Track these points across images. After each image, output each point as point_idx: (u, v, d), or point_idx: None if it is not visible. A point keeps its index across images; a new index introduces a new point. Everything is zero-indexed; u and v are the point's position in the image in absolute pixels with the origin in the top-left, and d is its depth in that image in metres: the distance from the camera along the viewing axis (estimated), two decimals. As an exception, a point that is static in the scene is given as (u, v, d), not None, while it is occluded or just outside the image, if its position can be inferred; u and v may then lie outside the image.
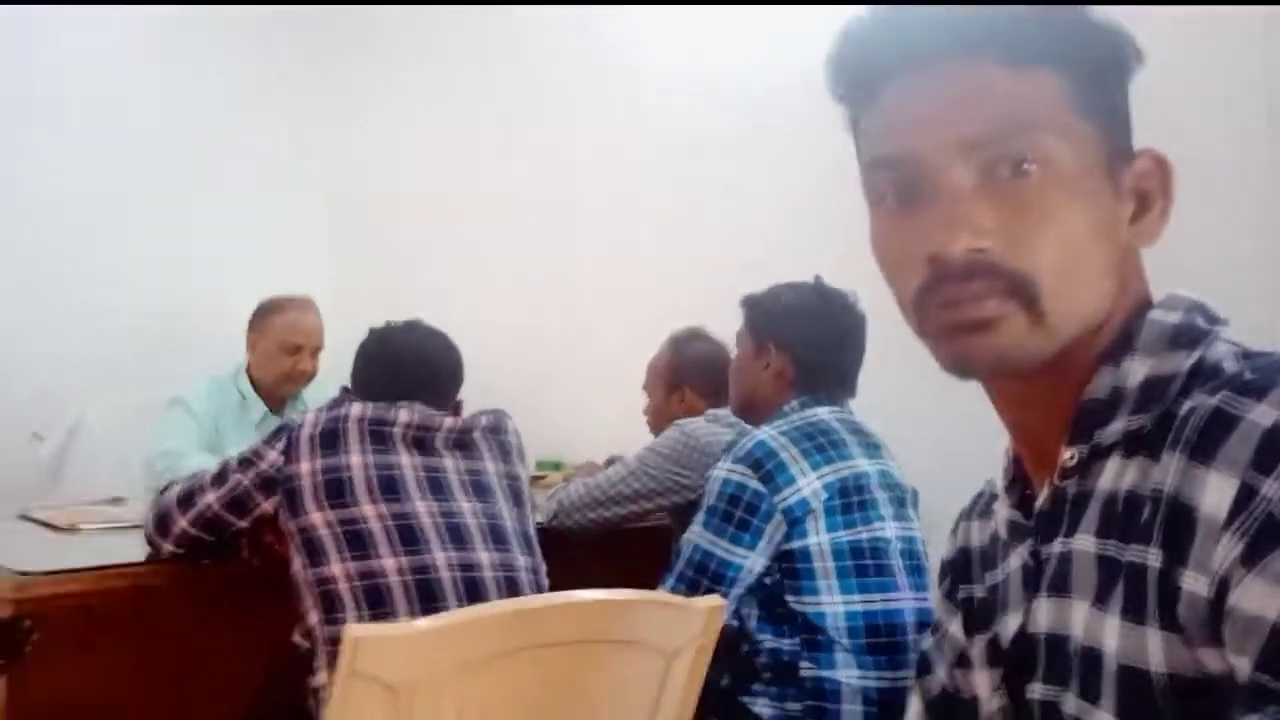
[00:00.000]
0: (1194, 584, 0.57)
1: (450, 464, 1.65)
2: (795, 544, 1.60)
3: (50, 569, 1.54)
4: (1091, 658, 0.64)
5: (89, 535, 1.88)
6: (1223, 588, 0.55)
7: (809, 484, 1.61)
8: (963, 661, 0.86)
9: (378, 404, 1.62)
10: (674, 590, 1.63)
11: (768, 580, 1.63)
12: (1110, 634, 0.62)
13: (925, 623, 1.65)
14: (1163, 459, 0.61)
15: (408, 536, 1.52)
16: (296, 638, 1.55)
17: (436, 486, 1.60)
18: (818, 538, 1.60)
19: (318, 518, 1.52)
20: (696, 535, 1.64)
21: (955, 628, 0.87)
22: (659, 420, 2.38)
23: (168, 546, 1.67)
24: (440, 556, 1.53)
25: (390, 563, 1.50)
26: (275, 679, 1.63)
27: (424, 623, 1.14)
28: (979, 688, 0.81)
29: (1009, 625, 0.75)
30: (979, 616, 0.83)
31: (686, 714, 1.38)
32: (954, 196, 0.66)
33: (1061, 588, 0.68)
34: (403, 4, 3.65)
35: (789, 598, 1.61)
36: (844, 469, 1.64)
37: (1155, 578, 0.59)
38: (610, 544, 2.20)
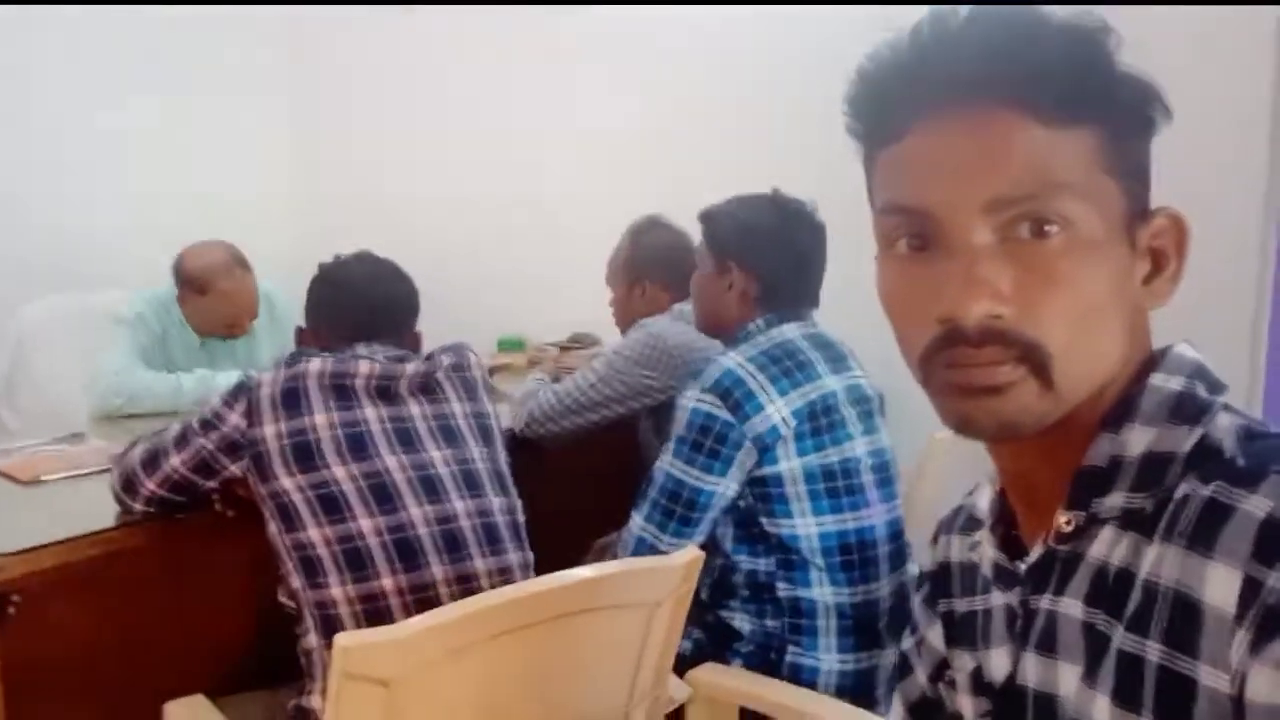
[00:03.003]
0: (1214, 680, 0.57)
1: (416, 410, 1.62)
2: (766, 470, 1.62)
3: (21, 548, 1.53)
4: None
5: (54, 489, 1.86)
6: (1241, 683, 0.56)
7: (777, 411, 1.61)
8: (942, 673, 0.89)
9: (337, 356, 1.58)
10: (648, 518, 1.66)
11: (741, 504, 1.66)
12: (1100, 713, 0.64)
13: (896, 533, 1.71)
14: (1156, 543, 0.62)
15: (381, 496, 1.52)
16: (282, 598, 1.56)
17: (404, 438, 1.58)
18: (789, 463, 1.62)
19: (288, 483, 1.50)
20: (668, 464, 1.65)
21: (934, 636, 0.90)
22: (623, 315, 2.36)
23: (138, 506, 1.65)
24: (416, 513, 1.53)
25: (367, 524, 1.50)
26: (264, 637, 1.66)
27: (413, 624, 1.14)
28: (964, 708, 0.84)
29: (993, 664, 0.78)
30: (958, 633, 0.85)
31: (669, 653, 1.44)
32: (972, 256, 0.64)
33: (1048, 647, 0.70)
34: None
35: (763, 519, 1.65)
36: (812, 391, 1.65)
37: (1154, 671, 0.60)
38: (579, 456, 2.23)
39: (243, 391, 1.56)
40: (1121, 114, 0.66)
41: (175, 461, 1.59)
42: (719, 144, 2.76)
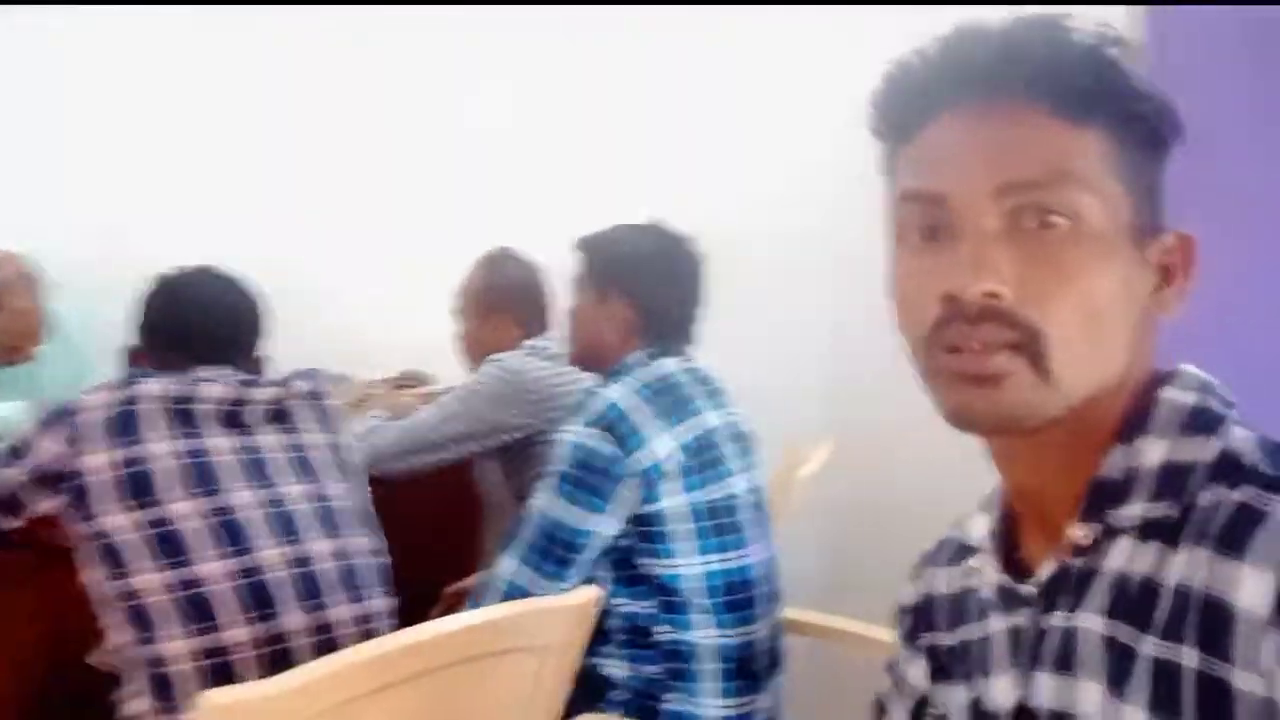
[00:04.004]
0: (1248, 684, 0.57)
1: (270, 440, 1.46)
2: (650, 507, 1.55)
3: None
4: None
5: None
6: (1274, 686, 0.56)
7: (663, 445, 1.55)
8: (922, 712, 0.85)
9: (179, 378, 1.40)
10: (524, 561, 1.55)
11: (621, 543, 1.58)
12: None
13: (771, 573, 1.68)
14: (1182, 550, 0.62)
15: (232, 534, 1.34)
16: (100, 656, 1.35)
17: (258, 470, 1.42)
18: (673, 499, 1.56)
19: (120, 520, 1.30)
20: (545, 503, 1.55)
21: (915, 673, 0.87)
22: (474, 349, 2.25)
23: (-85, 547, 1.40)
24: (272, 553, 1.36)
25: (214, 567, 1.32)
26: (63, 702, 1.43)
27: (279, 682, 1.00)
28: None
29: (997, 692, 0.75)
30: (949, 667, 0.82)
31: (558, 702, 1.34)
32: (978, 239, 0.65)
33: (1065, 666, 0.68)
34: None
35: (644, 560, 1.58)
36: (696, 426, 1.60)
37: (1193, 678, 0.59)
38: (414, 496, 2.09)
39: (63, 417, 1.35)
40: (1133, 123, 0.67)
41: None
42: (537, 178, 2.71)
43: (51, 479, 1.33)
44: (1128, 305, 0.67)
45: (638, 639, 1.60)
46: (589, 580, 1.59)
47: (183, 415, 1.37)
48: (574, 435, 1.56)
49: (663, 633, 1.58)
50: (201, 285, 1.56)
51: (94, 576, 1.32)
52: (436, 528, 2.08)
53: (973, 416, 0.66)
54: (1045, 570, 0.70)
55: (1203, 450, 0.65)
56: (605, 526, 1.55)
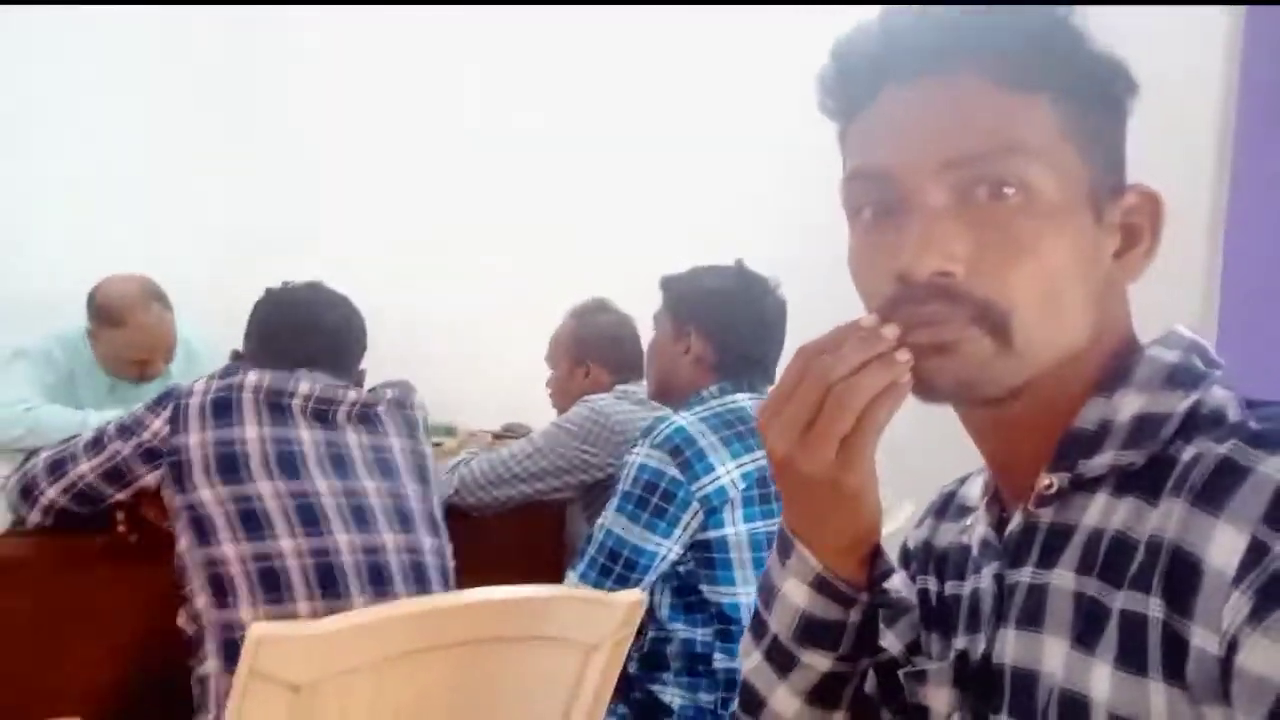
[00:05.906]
0: (1203, 641, 0.55)
1: (353, 439, 1.55)
2: (712, 533, 1.57)
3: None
4: (1075, 703, 0.62)
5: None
6: (1232, 647, 0.53)
7: (728, 473, 1.57)
8: (917, 648, 0.84)
9: (275, 373, 1.51)
10: (584, 576, 1.58)
11: (681, 569, 1.60)
12: (1099, 682, 0.60)
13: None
14: (1162, 504, 0.60)
15: (307, 516, 1.42)
16: (181, 622, 1.43)
17: (338, 463, 1.50)
18: (735, 528, 1.57)
19: (207, 494, 1.40)
20: (610, 521, 1.59)
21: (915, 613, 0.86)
22: (563, 395, 2.32)
23: (34, 516, 1.53)
24: (342, 539, 1.44)
25: (288, 544, 1.40)
26: (153, 664, 1.52)
27: (329, 623, 1.06)
28: (933, 700, 0.79)
29: (977, 647, 0.74)
30: (935, 617, 0.81)
31: (600, 706, 1.34)
32: (927, 216, 0.64)
33: (1032, 621, 0.66)
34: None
35: (703, 587, 1.58)
36: (762, 458, 1.61)
37: (1159, 629, 0.57)
38: (512, 521, 2.14)
39: (169, 399, 1.47)
40: (1083, 84, 0.66)
41: (84, 467, 1.49)
42: (667, 235, 2.80)
43: (154, 453, 1.44)
44: (1087, 272, 0.66)
45: (695, 666, 1.59)
46: (648, 601, 1.61)
47: (275, 407, 1.48)
48: (641, 456, 1.60)
49: (720, 661, 1.57)
50: (306, 299, 1.68)
51: (181, 546, 1.42)
52: (518, 567, 2.11)
53: (934, 386, 0.66)
54: (1013, 524, 0.69)
55: (1178, 403, 0.63)
56: (666, 550, 1.57)
